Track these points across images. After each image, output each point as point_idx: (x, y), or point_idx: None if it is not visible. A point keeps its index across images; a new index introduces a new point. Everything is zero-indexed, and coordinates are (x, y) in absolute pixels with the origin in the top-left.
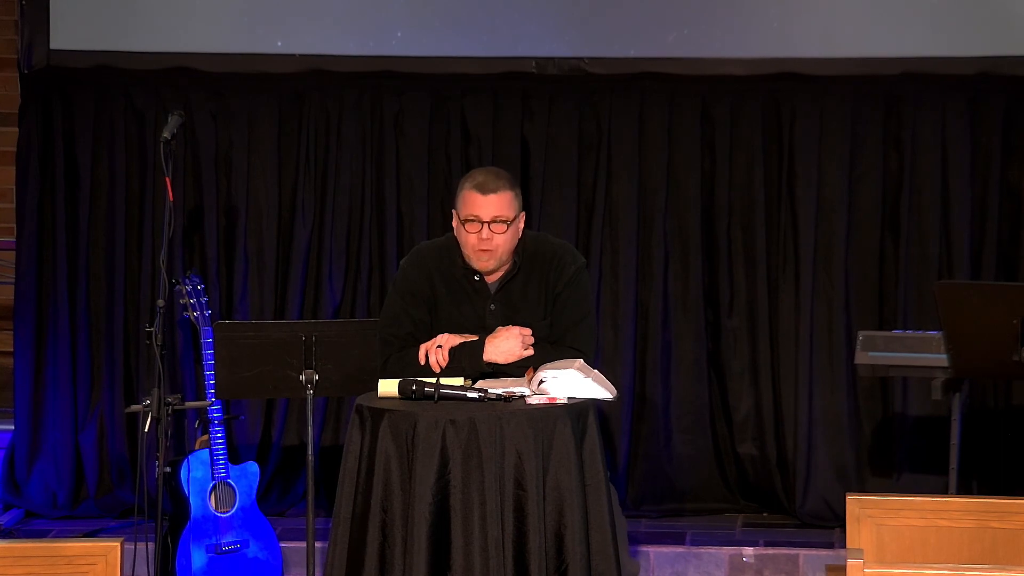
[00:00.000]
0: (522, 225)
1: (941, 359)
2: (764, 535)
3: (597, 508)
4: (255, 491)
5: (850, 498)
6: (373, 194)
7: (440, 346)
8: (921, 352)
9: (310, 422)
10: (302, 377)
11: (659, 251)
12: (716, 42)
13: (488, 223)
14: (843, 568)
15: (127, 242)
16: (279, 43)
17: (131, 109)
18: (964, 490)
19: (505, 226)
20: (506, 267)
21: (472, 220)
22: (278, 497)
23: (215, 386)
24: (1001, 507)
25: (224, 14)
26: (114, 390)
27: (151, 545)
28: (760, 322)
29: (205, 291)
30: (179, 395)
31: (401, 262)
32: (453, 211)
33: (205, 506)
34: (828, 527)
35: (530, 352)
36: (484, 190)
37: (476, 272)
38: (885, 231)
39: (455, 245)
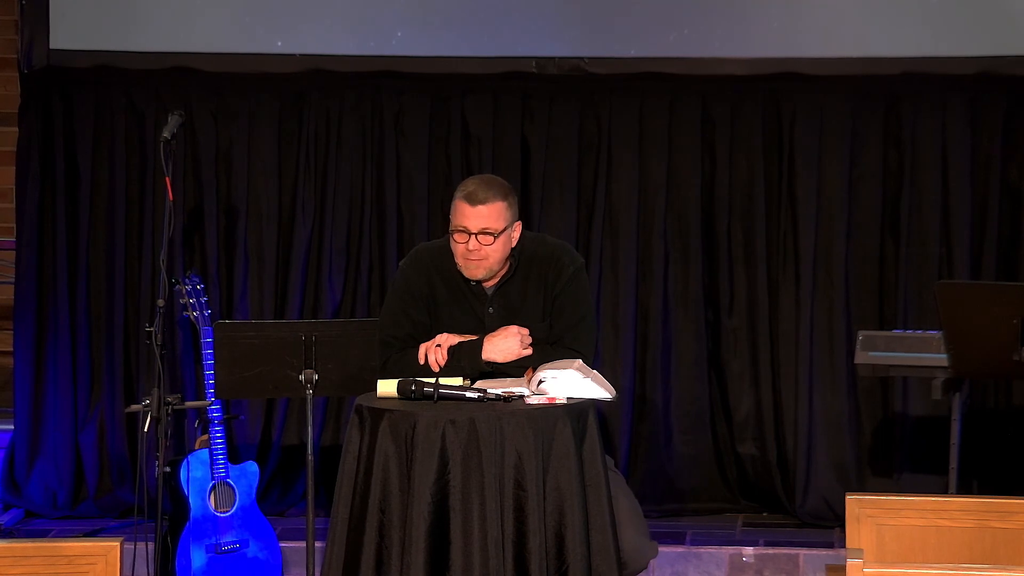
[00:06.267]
0: (517, 234)
1: (941, 359)
2: (764, 535)
3: (597, 508)
4: (255, 491)
5: (850, 498)
6: (373, 194)
7: (439, 345)
8: (921, 352)
9: (310, 422)
10: (302, 377)
11: (659, 251)
12: (716, 42)
13: (475, 234)
14: (843, 568)
15: (127, 242)
16: (279, 43)
17: (131, 109)
18: (964, 490)
19: (492, 238)
20: (503, 271)
21: (460, 231)
22: (278, 497)
23: (215, 386)
24: (1001, 507)
25: (224, 14)
26: (114, 390)
27: (151, 545)
28: (760, 322)
29: (205, 291)
30: (179, 395)
31: (400, 263)
32: (449, 217)
33: (205, 506)
34: (828, 527)
35: (529, 351)
36: (473, 201)
37: None
38: (885, 231)
39: None
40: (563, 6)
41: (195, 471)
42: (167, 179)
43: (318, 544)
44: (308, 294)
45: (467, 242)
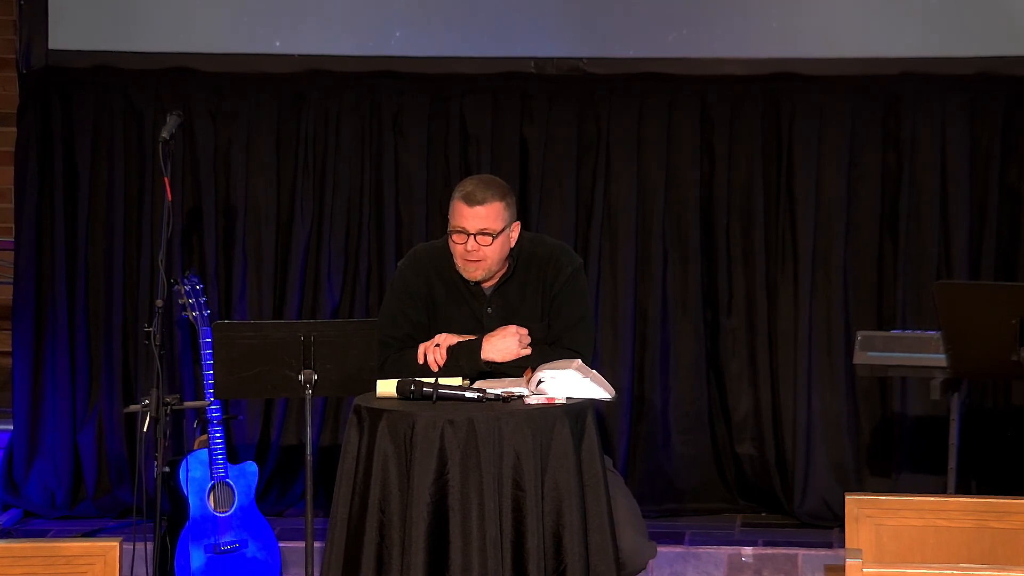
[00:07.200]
0: (515, 234)
1: (940, 359)
2: (763, 535)
3: (596, 508)
4: (254, 491)
5: (849, 498)
6: (372, 194)
7: (438, 345)
8: (920, 352)
9: (309, 422)
10: (301, 377)
11: (658, 251)
12: (716, 42)
13: (474, 235)
14: (842, 568)
15: (126, 242)
16: (278, 43)
17: (130, 109)
18: (963, 490)
19: (491, 239)
20: (501, 271)
21: (459, 231)
22: (277, 497)
23: (214, 386)
24: (1000, 507)
25: (223, 14)
26: (113, 390)
27: (150, 545)
28: (759, 322)
29: (204, 291)
30: (178, 395)
31: (399, 263)
32: (448, 218)
33: (204, 506)
34: (827, 527)
35: (528, 351)
36: (471, 201)
37: None
38: (884, 231)
39: None
40: (562, 6)
41: (194, 471)
42: (166, 179)
43: (317, 544)
44: (307, 294)
45: (465, 243)
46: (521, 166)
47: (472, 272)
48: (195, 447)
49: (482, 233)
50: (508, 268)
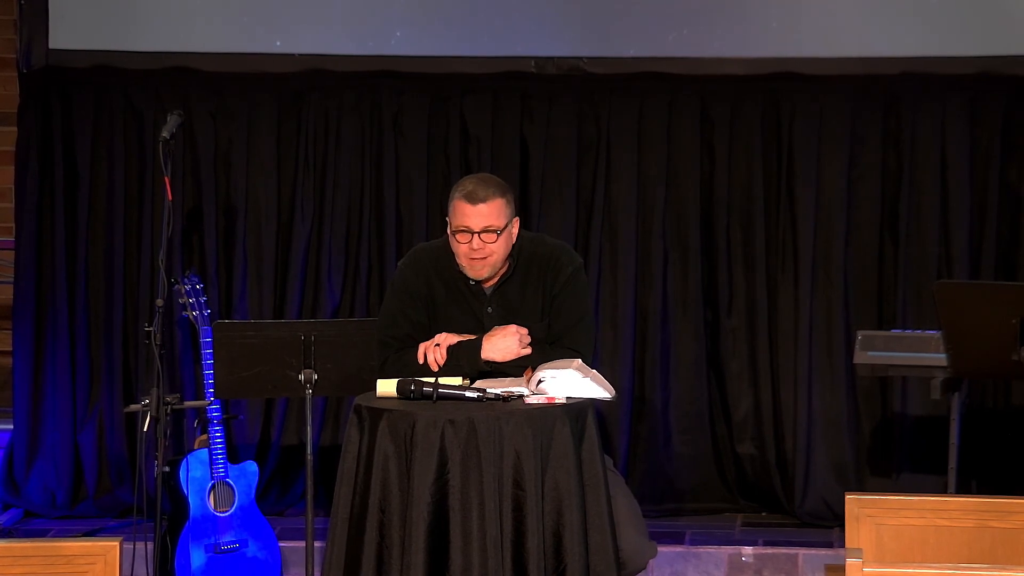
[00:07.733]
0: (516, 231)
1: (940, 359)
2: (763, 535)
3: (596, 508)
4: (254, 490)
5: (849, 498)
6: (372, 194)
7: (438, 344)
8: (920, 352)
9: (309, 422)
10: (301, 377)
11: (658, 251)
12: (716, 42)
13: (478, 233)
14: (842, 568)
15: (126, 242)
16: (278, 43)
17: (130, 109)
18: (963, 490)
19: (496, 235)
20: (502, 271)
21: (462, 231)
22: (277, 497)
23: (214, 385)
24: (1000, 507)
25: (223, 14)
26: (113, 389)
27: (150, 545)
28: (759, 322)
29: (204, 291)
30: (178, 395)
31: (399, 263)
32: (447, 219)
33: (204, 506)
34: (827, 527)
35: (528, 351)
36: (473, 200)
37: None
38: (884, 231)
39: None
40: (563, 6)
41: (194, 471)
42: (166, 179)
43: (317, 544)
44: (307, 294)
45: (470, 241)
46: (521, 166)
47: (478, 270)
48: (195, 447)
49: (487, 231)
50: (508, 267)
